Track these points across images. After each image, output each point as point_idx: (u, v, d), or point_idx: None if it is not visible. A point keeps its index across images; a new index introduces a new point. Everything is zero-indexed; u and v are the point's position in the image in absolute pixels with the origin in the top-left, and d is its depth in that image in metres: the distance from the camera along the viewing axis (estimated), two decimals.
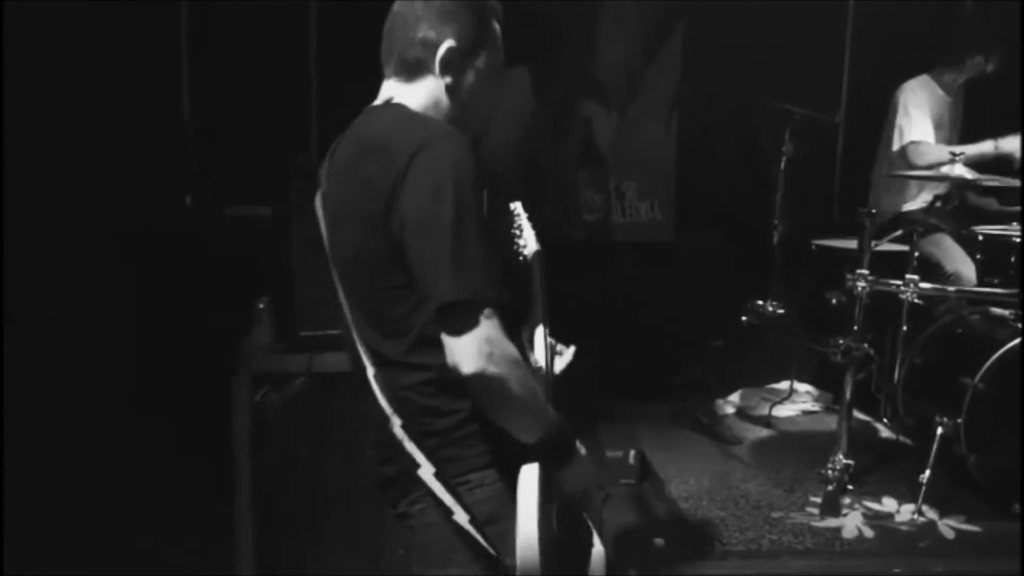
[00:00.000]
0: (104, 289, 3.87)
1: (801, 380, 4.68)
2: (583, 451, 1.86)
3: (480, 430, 1.71)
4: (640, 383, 4.41)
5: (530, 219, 2.22)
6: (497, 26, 1.85)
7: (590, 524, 2.19)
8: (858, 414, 4.29)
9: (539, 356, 2.05)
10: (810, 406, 4.60)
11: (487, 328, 1.59)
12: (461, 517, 1.68)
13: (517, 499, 1.66)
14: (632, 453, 3.68)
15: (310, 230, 1.93)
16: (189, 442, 3.35)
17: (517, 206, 2.23)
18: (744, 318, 4.24)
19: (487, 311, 1.60)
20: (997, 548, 3.17)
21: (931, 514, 3.35)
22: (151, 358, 3.93)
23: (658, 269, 4.76)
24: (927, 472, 3.38)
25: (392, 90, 1.82)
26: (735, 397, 4.60)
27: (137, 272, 3.96)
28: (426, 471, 1.70)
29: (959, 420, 3.35)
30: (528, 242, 2.15)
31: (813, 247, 4.24)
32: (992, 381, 3.32)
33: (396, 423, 1.72)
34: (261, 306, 2.94)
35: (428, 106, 1.78)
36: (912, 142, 4.14)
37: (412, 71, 1.79)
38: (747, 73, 4.61)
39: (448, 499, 1.69)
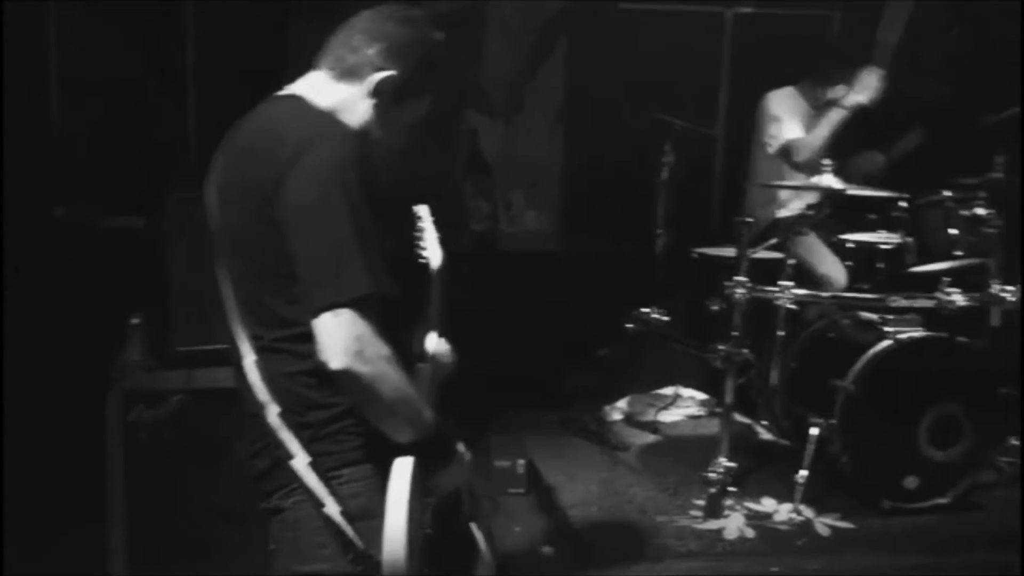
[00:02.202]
0: None
1: (686, 385, 4.79)
2: (465, 455, 1.88)
3: (356, 425, 1.72)
4: (528, 392, 4.43)
5: (436, 222, 2.20)
6: (435, 87, 1.88)
7: (472, 527, 2.20)
8: (739, 417, 4.40)
9: (430, 358, 2.04)
10: (695, 411, 4.70)
11: (359, 326, 1.60)
12: (332, 509, 1.67)
13: (387, 495, 1.66)
14: (520, 462, 3.69)
15: (188, 242, 1.89)
16: (61, 464, 3.20)
17: (423, 210, 2.22)
18: (629, 326, 4.31)
19: (361, 309, 1.60)
20: (869, 544, 3.31)
21: (808, 513, 3.47)
22: (20, 376, 3.73)
23: (545, 278, 4.81)
24: (803, 472, 3.50)
25: (310, 80, 1.83)
26: (622, 404, 4.66)
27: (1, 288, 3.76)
28: (300, 461, 1.69)
29: (832, 421, 3.48)
30: (432, 247, 2.14)
31: (694, 255, 4.34)
32: (862, 383, 3.46)
33: (273, 411, 1.70)
34: (135, 322, 2.83)
35: (338, 108, 1.79)
36: (787, 141, 4.28)
37: (344, 73, 1.81)
38: (629, 85, 4.70)
39: (320, 490, 1.68)
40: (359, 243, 1.61)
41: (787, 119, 4.33)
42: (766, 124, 4.38)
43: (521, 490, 3.67)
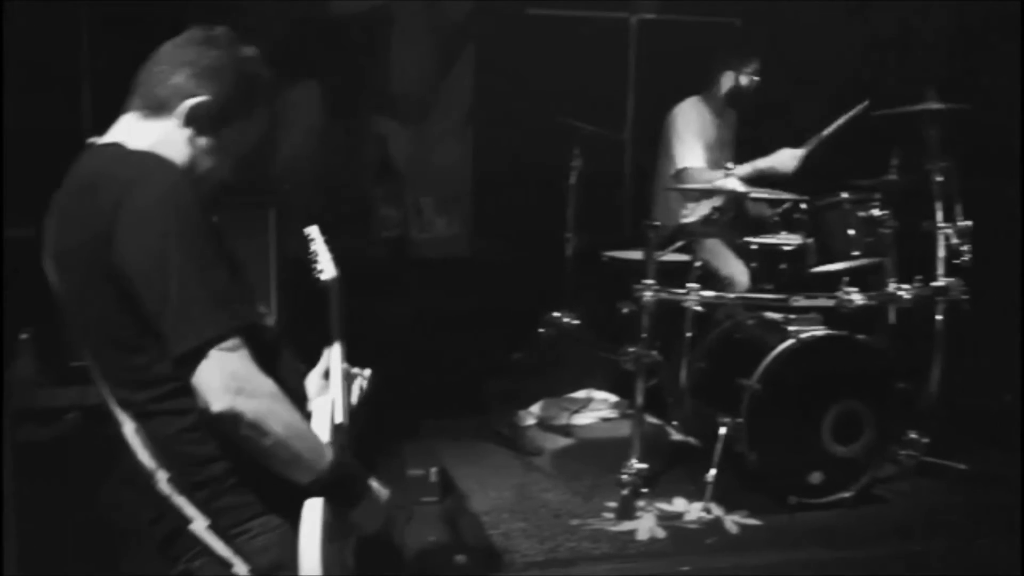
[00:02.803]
0: None
1: (599, 388, 4.82)
2: (379, 489, 1.80)
3: (255, 474, 1.61)
4: (442, 399, 4.40)
5: (327, 241, 2.20)
6: (262, 107, 1.80)
7: (397, 551, 2.15)
8: (651, 418, 4.45)
9: (335, 384, 2.00)
10: (608, 413, 4.73)
11: (231, 362, 1.52)
12: (241, 570, 1.60)
13: (299, 541, 1.59)
14: (433, 470, 3.66)
15: None
16: None
17: (313, 230, 2.21)
18: (541, 330, 4.32)
19: (230, 343, 1.52)
20: (776, 540, 3.37)
21: (717, 511, 3.51)
22: None
23: (457, 284, 4.79)
24: (712, 471, 3.55)
25: (123, 124, 1.73)
26: (536, 408, 4.66)
27: None
28: (199, 525, 1.60)
29: (739, 420, 3.54)
30: (325, 266, 2.13)
31: (604, 259, 4.38)
32: (767, 382, 3.52)
33: (162, 478, 1.61)
34: (24, 337, 2.72)
35: (156, 145, 1.68)
36: (682, 169, 4.38)
37: (154, 109, 1.71)
38: (538, 90, 4.72)
39: (225, 552, 1.60)
40: (204, 279, 1.54)
41: (688, 140, 4.41)
42: (671, 139, 4.46)
43: (434, 498, 3.64)
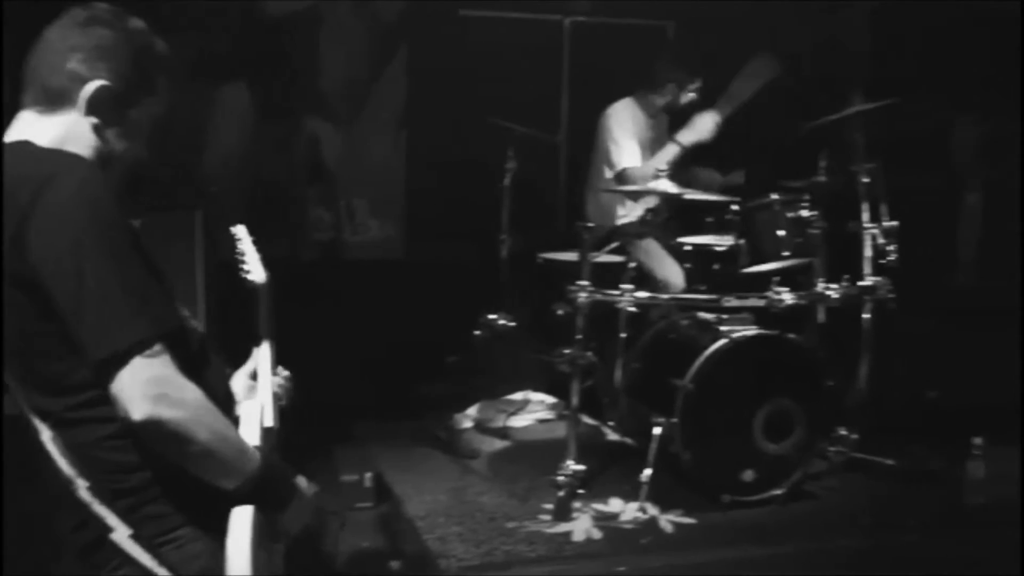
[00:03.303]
0: None
1: (536, 390, 4.82)
2: (307, 488, 1.78)
3: (183, 481, 1.57)
4: (377, 403, 4.36)
5: (256, 242, 2.17)
6: (165, 78, 1.72)
7: (328, 556, 2.12)
8: (587, 419, 4.47)
9: (263, 388, 1.97)
10: (545, 414, 4.73)
11: (153, 368, 1.47)
12: None
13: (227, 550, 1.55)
14: (368, 476, 3.62)
15: None
16: None
17: (240, 230, 2.17)
18: (477, 332, 4.30)
19: (152, 349, 1.47)
20: (710, 538, 3.39)
21: (653, 511, 3.53)
22: None
23: (391, 286, 4.75)
24: (647, 471, 3.57)
25: (24, 122, 1.65)
26: (472, 411, 4.64)
27: None
28: (121, 535, 1.55)
29: (674, 420, 3.56)
30: (253, 267, 2.09)
31: (540, 260, 4.37)
32: (700, 382, 3.55)
33: (81, 485, 1.56)
34: None
35: (63, 141, 1.62)
36: (622, 170, 4.40)
37: (53, 102, 1.63)
38: (471, 91, 4.70)
39: (149, 562, 1.55)
40: (122, 281, 1.48)
41: (623, 141, 4.44)
42: (605, 141, 4.48)
43: (369, 504, 3.60)
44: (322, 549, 2.01)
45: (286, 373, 2.10)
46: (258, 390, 1.97)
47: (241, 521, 1.58)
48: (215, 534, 1.59)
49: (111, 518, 1.56)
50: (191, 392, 1.51)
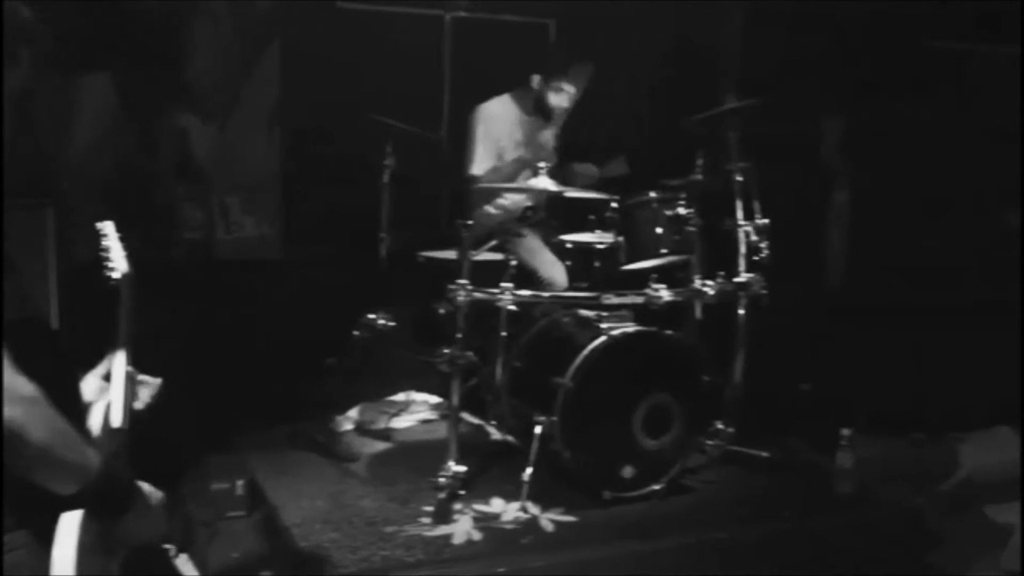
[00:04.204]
0: None
1: (419, 390, 4.74)
2: (152, 496, 1.70)
3: (8, 484, 1.46)
4: (253, 407, 4.20)
5: (121, 239, 2.10)
6: (32, 50, 1.63)
7: (176, 568, 2.03)
8: (471, 418, 4.43)
9: (115, 386, 1.89)
10: (427, 415, 4.66)
11: None
12: None
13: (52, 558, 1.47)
14: (240, 483, 3.49)
15: None
16: None
17: (106, 226, 2.11)
18: (356, 333, 4.21)
19: None
20: (591, 535, 3.40)
21: (534, 510, 3.51)
22: None
23: (267, 286, 4.60)
24: (528, 470, 3.55)
25: None
26: (353, 412, 4.54)
27: None
28: None
29: (554, 418, 3.55)
30: (117, 264, 2.03)
31: (421, 259, 4.30)
32: (579, 379, 3.55)
33: None
34: None
35: None
36: (470, 176, 4.43)
37: None
38: (350, 86, 4.60)
39: None
40: None
41: (478, 147, 4.43)
42: (468, 142, 4.48)
43: (241, 512, 3.47)
44: (165, 558, 1.92)
45: (145, 377, 2.03)
46: (109, 390, 1.90)
47: (68, 527, 1.50)
48: (41, 541, 1.50)
49: None
50: (27, 389, 1.42)
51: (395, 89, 4.74)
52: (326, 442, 4.17)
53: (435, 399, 4.76)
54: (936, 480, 3.99)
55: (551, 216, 4.49)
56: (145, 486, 1.70)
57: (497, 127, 4.47)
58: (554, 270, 4.26)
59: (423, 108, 4.93)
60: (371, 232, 4.25)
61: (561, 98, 4.42)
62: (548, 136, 4.41)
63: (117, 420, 1.84)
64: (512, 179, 4.33)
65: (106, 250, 2.07)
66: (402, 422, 4.54)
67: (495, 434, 4.37)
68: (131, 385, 1.94)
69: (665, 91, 5.03)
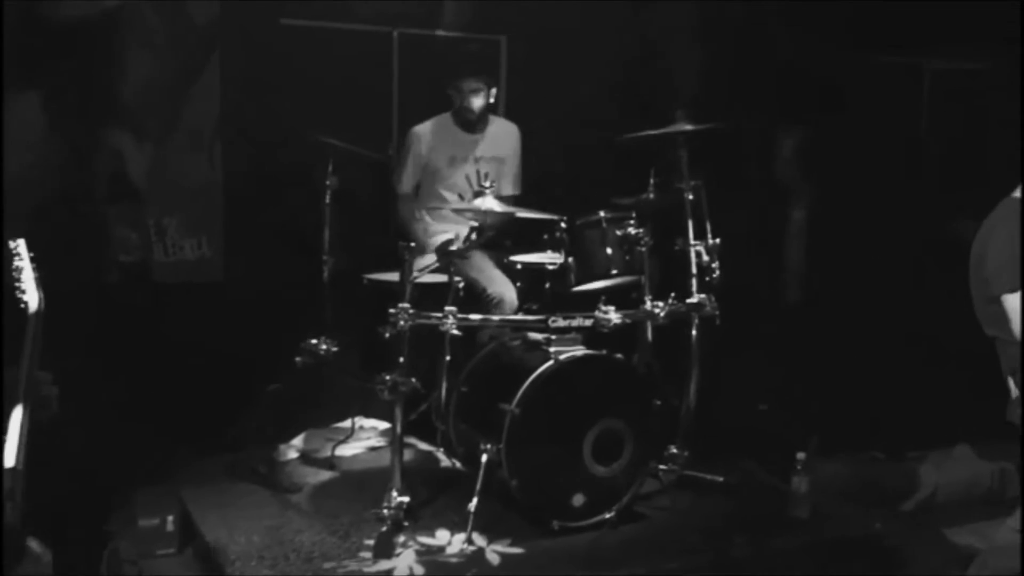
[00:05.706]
0: None
1: (366, 416, 4.60)
2: (39, 552, 1.58)
3: None
4: (189, 437, 4.03)
5: (35, 259, 2.00)
6: None
7: None
8: (421, 445, 4.30)
9: (12, 423, 1.77)
10: (375, 442, 4.52)
11: None
12: None
13: None
14: (170, 518, 3.33)
15: None
16: None
17: (19, 244, 2.00)
18: (298, 358, 4.07)
19: None
20: (538, 567, 3.29)
21: (480, 541, 3.39)
22: None
23: (206, 310, 4.45)
24: (474, 500, 3.42)
25: None
26: (298, 441, 4.39)
27: None
28: None
29: (500, 446, 3.42)
30: (29, 287, 1.94)
31: (364, 281, 4.18)
32: (526, 406, 3.43)
33: None
34: None
35: None
36: (400, 195, 4.56)
37: None
38: (294, 105, 4.49)
39: None
40: None
41: (405, 169, 4.55)
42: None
43: (171, 550, 3.32)
44: None
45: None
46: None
47: None
48: None
49: None
50: None
51: (342, 107, 4.63)
52: (267, 472, 4.01)
53: (384, 425, 4.61)
54: (896, 500, 3.93)
55: (500, 236, 4.38)
56: (33, 544, 1.59)
57: (424, 147, 4.50)
58: (505, 289, 4.16)
59: (371, 126, 4.81)
60: (315, 253, 4.11)
61: (479, 98, 4.42)
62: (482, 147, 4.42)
63: (10, 459, 1.75)
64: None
65: (17, 270, 1.98)
66: (348, 449, 4.38)
67: (444, 461, 4.24)
68: (26, 423, 1.82)
69: (615, 107, 4.96)
